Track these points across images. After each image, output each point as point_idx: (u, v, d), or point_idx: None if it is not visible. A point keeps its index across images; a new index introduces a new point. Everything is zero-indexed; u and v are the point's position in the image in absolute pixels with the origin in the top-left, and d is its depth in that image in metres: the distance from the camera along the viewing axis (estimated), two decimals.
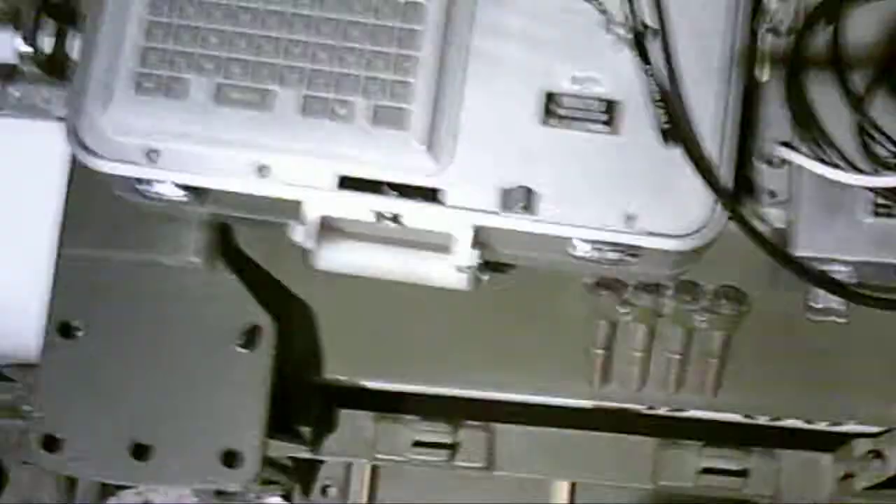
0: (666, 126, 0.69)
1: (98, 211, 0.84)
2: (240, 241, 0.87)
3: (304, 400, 0.93)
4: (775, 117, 0.77)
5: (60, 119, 0.84)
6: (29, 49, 0.82)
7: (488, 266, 0.77)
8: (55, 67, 0.84)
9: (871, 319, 0.78)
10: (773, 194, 0.78)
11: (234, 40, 0.73)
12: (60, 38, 0.85)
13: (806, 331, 0.83)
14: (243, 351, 0.83)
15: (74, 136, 0.73)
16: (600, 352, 0.90)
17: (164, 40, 0.73)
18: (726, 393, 0.90)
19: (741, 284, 0.87)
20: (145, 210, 0.79)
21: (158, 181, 0.72)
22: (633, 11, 0.69)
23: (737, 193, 0.73)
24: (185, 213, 0.80)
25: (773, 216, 0.77)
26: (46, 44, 0.85)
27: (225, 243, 0.86)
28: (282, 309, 0.87)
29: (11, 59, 0.84)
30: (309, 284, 0.88)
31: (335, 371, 0.91)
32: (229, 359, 0.83)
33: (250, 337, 0.83)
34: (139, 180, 0.72)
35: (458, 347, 0.91)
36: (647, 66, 0.68)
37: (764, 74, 0.79)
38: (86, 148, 0.73)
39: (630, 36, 0.69)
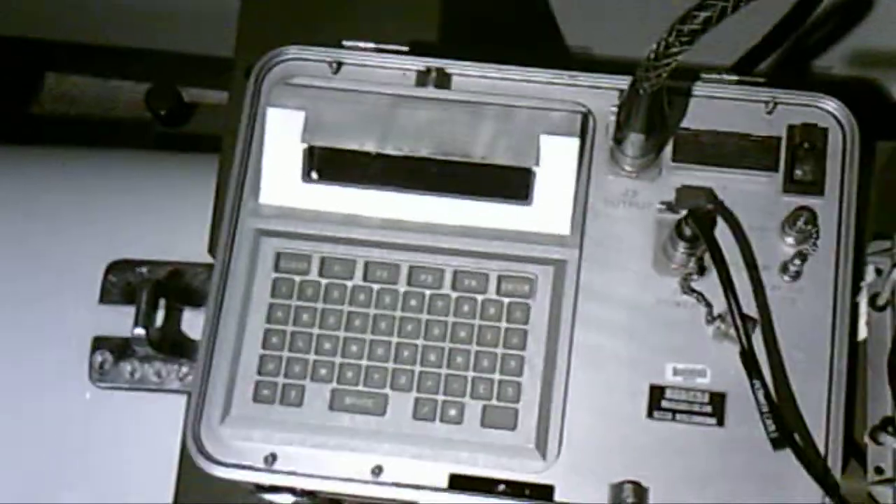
0: (775, 436, 0.70)
1: (208, 484, 0.86)
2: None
3: None
4: (881, 393, 0.78)
5: (173, 392, 0.88)
6: (142, 332, 0.86)
7: None
8: (168, 345, 0.88)
9: None
10: (879, 470, 0.78)
11: (347, 346, 0.76)
12: (174, 314, 0.89)
13: None
14: None
15: (195, 442, 0.75)
16: None
17: (280, 347, 0.76)
18: None
19: None
20: None
21: (276, 489, 0.74)
22: (746, 331, 0.70)
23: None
24: None
25: (882, 494, 0.78)
26: (159, 320, 0.89)
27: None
28: None
29: (124, 333, 0.88)
30: None
31: None
32: None
33: None
34: (257, 486, 0.75)
35: None
36: (755, 382, 0.70)
37: (861, 333, 0.80)
38: (205, 455, 0.75)
39: (740, 349, 0.71)
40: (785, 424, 0.70)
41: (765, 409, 0.69)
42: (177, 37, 1.33)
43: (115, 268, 0.91)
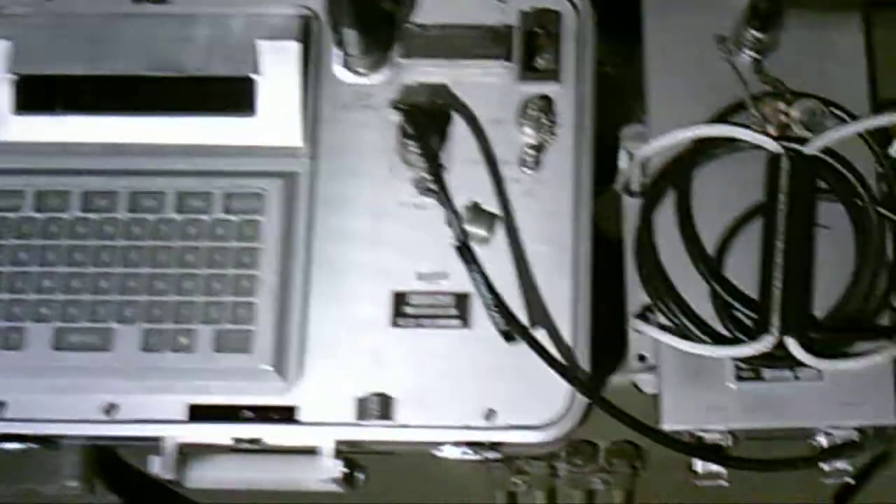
0: (504, 329, 0.68)
1: None
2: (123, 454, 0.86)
3: None
4: (638, 281, 0.76)
5: None
6: None
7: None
8: None
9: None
10: (642, 358, 0.76)
11: (70, 281, 0.72)
12: None
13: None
14: None
15: None
16: None
17: None
18: None
19: (635, 438, 0.85)
20: None
21: (5, 437, 0.71)
22: (457, 221, 0.67)
23: (597, 374, 0.72)
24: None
25: (645, 382, 0.76)
26: None
27: (105, 463, 0.84)
28: None
29: None
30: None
31: None
32: None
33: None
34: None
35: None
36: (475, 274, 0.67)
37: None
38: None
39: (456, 243, 0.68)
40: (513, 315, 0.68)
41: (489, 301, 0.67)
42: None
43: None
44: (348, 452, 0.76)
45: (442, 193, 0.66)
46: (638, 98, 0.80)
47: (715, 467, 0.75)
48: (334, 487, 0.74)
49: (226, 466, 0.75)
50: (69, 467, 0.82)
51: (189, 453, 0.74)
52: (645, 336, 0.75)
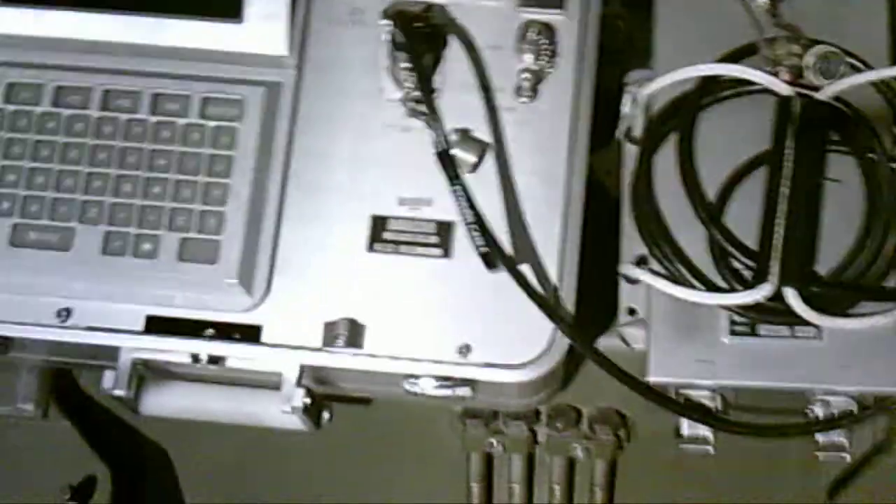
0: (484, 250, 0.64)
1: None
2: (82, 382, 0.82)
3: None
4: (633, 230, 0.72)
5: None
6: None
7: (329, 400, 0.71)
8: None
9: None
10: (632, 311, 0.72)
11: (33, 176, 0.68)
12: None
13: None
14: None
15: None
16: (476, 486, 0.83)
17: None
18: None
19: (621, 406, 0.81)
20: None
21: None
22: (441, 127, 0.63)
23: (580, 317, 0.67)
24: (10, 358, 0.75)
25: (632, 336, 0.71)
26: None
27: (63, 388, 0.80)
28: (126, 450, 0.81)
29: None
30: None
31: None
32: None
33: (84, 490, 0.77)
34: None
35: (319, 486, 0.84)
36: (455, 186, 0.62)
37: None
38: None
39: (436, 151, 0.64)
40: (492, 236, 0.63)
41: (469, 218, 0.62)
42: None
43: None
44: (317, 395, 0.72)
45: (426, 97, 0.62)
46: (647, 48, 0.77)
47: (702, 431, 0.71)
48: (297, 423, 0.70)
49: (182, 394, 0.71)
50: (24, 389, 0.78)
51: (146, 377, 0.71)
52: (636, 290, 0.71)
